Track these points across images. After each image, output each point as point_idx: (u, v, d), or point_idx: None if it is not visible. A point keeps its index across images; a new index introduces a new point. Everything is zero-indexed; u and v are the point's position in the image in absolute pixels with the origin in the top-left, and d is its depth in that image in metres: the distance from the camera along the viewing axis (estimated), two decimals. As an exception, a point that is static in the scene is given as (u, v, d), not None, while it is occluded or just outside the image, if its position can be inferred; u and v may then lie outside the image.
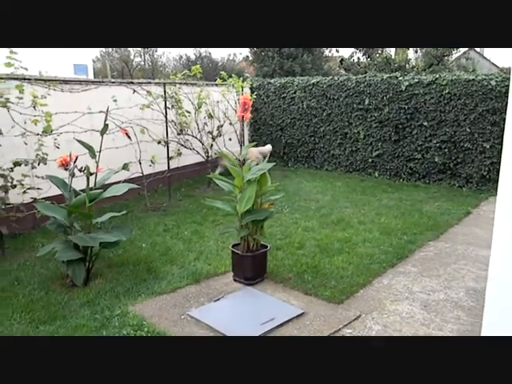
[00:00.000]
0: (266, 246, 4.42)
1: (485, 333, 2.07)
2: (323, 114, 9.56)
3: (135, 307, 3.83)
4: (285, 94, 10.09)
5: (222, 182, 4.36)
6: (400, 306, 3.90)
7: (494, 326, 1.98)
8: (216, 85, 8.86)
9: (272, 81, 10.44)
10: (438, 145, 8.20)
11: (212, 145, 8.13)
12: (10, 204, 4.77)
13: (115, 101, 6.09)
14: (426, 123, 8.24)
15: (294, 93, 9.91)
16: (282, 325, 3.56)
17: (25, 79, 5.21)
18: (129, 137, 5.09)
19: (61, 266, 4.33)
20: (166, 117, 7.23)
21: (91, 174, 4.29)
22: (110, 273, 4.51)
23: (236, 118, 8.97)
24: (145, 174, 6.83)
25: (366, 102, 8.86)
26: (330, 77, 9.64)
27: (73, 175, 4.31)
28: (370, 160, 9.10)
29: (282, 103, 10.16)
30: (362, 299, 4.03)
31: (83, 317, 3.65)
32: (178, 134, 7.59)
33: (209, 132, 8.16)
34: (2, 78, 4.59)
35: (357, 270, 4.62)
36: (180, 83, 7.65)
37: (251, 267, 4.28)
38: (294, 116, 10.03)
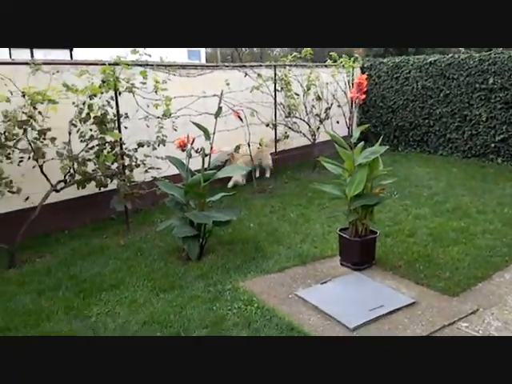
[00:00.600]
0: (376, 232, 4.29)
1: None
2: (440, 94, 8.92)
3: (245, 283, 3.98)
4: (398, 74, 9.58)
5: (331, 165, 4.31)
6: (525, 304, 3.55)
7: None
8: (326, 66, 8.71)
9: (385, 60, 9.97)
10: None
11: (319, 127, 8.04)
12: (134, 182, 5.22)
13: (228, 84, 6.29)
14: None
15: (409, 72, 9.37)
16: (391, 312, 3.46)
17: (148, 65, 5.60)
18: (241, 119, 5.24)
19: (177, 240, 4.65)
20: (275, 99, 7.31)
21: (206, 156, 4.51)
22: (221, 249, 4.74)
23: (345, 100, 8.76)
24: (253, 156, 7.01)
25: (491, 82, 8.07)
26: (450, 55, 8.92)
27: (190, 156, 4.57)
28: (492, 145, 8.31)
29: (395, 84, 9.68)
30: (481, 293, 3.75)
31: (198, 288, 3.90)
32: (286, 117, 7.63)
33: (316, 114, 8.08)
34: (128, 65, 4.97)
35: (474, 262, 4.30)
36: (290, 65, 7.66)
37: (359, 252, 4.19)
38: (407, 97, 9.50)
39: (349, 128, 8.82)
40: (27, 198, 4.70)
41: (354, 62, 8.77)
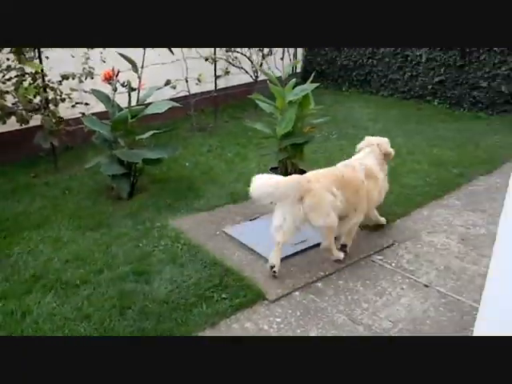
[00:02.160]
0: (304, 171, 4.36)
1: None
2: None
3: (174, 221, 4.00)
4: (343, 12, 9.39)
5: (264, 103, 4.26)
6: (436, 238, 3.82)
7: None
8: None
9: (330, -4, 9.70)
10: (506, 73, 7.47)
11: (262, 64, 7.86)
12: (60, 117, 4.95)
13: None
14: (495, 48, 7.47)
15: (353, 10, 9.20)
16: (314, 246, 3.61)
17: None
18: (171, 51, 4.98)
19: (107, 178, 4.54)
20: (214, 33, 6.99)
21: (133, 90, 4.31)
22: (153, 188, 4.69)
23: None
24: (191, 93, 6.80)
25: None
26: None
27: (115, 90, 4.36)
28: (429, 86, 8.50)
29: (340, 21, 9.50)
30: (397, 229, 3.98)
31: (126, 226, 3.88)
32: (227, 51, 7.37)
33: (259, 49, 7.85)
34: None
35: (397, 199, 4.51)
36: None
37: (288, 190, 4.27)
38: (351, 36, 9.39)
39: (293, 66, 8.68)
40: None
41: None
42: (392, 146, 6.17)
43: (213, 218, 4.10)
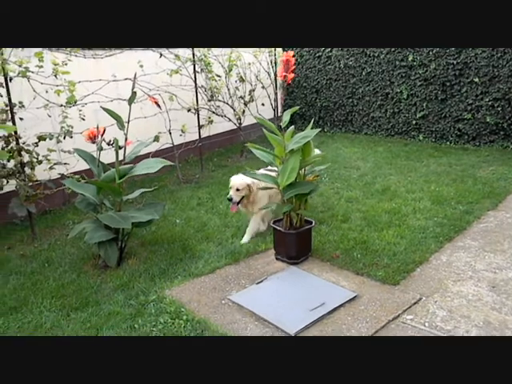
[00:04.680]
0: (311, 222, 4.03)
1: None
2: (362, 73, 8.88)
3: (172, 291, 3.55)
4: (320, 53, 9.42)
5: (261, 151, 3.95)
6: (464, 287, 3.47)
7: None
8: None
9: (305, 39, 9.75)
10: (490, 103, 7.44)
11: (244, 111, 7.66)
12: (37, 181, 4.53)
13: (141, 66, 5.68)
14: (476, 79, 7.48)
15: (330, 51, 9.23)
16: (333, 310, 3.21)
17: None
18: (158, 105, 4.69)
19: (92, 246, 4.09)
20: (195, 82, 6.78)
21: (120, 148, 3.95)
22: (143, 252, 4.25)
23: (269, 81, 8.43)
24: (175, 144, 6.48)
25: (410, 58, 8.12)
26: (369, 32, 8.88)
27: (101, 149, 4.00)
28: (413, 122, 8.44)
29: (317, 63, 9.50)
30: (421, 279, 3.62)
31: (117, 303, 3.40)
32: (209, 101, 7.15)
33: (240, 97, 7.68)
34: (19, 46, 4.23)
35: (410, 245, 4.19)
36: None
37: (295, 245, 3.91)
38: (330, 77, 9.38)
39: (274, 110, 8.56)
40: None
41: (276, 40, 8.43)
42: (389, 185, 6.02)
43: (215, 284, 3.66)
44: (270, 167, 4.45)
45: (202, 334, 2.96)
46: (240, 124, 7.66)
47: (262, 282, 3.65)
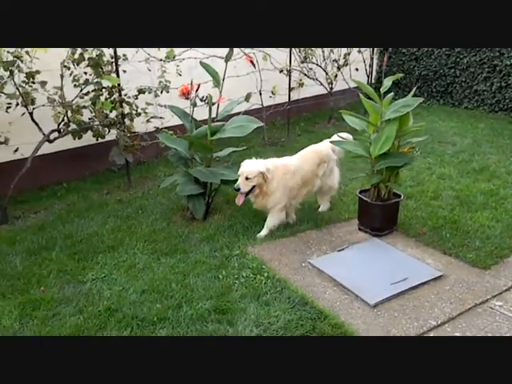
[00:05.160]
0: (400, 196, 3.88)
1: None
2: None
3: (254, 248, 3.64)
4: (423, 18, 8.76)
5: (354, 118, 3.82)
6: None
7: None
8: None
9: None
10: None
11: (336, 75, 7.42)
12: (135, 132, 4.79)
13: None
14: None
15: (436, 16, 8.55)
16: (416, 287, 3.12)
17: None
18: (253, 64, 4.67)
19: (181, 198, 4.29)
20: (289, 43, 6.65)
21: (213, 104, 4.03)
22: (228, 209, 4.37)
23: (365, 45, 8.03)
24: (264, 105, 6.49)
25: (528, 27, 7.30)
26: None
27: (194, 105, 4.11)
28: (523, 98, 7.67)
29: (419, 28, 8.87)
30: (515, 266, 3.38)
31: (203, 253, 3.57)
32: (302, 62, 6.99)
33: (334, 60, 7.42)
34: None
35: (507, 229, 3.91)
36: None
37: (381, 217, 3.81)
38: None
39: (368, 76, 8.18)
40: (16, 150, 4.30)
41: None
42: (487, 164, 5.59)
43: (296, 246, 3.70)
44: (341, 134, 4.06)
45: (281, 292, 3.03)
46: (331, 89, 7.45)
47: (343, 249, 3.62)
